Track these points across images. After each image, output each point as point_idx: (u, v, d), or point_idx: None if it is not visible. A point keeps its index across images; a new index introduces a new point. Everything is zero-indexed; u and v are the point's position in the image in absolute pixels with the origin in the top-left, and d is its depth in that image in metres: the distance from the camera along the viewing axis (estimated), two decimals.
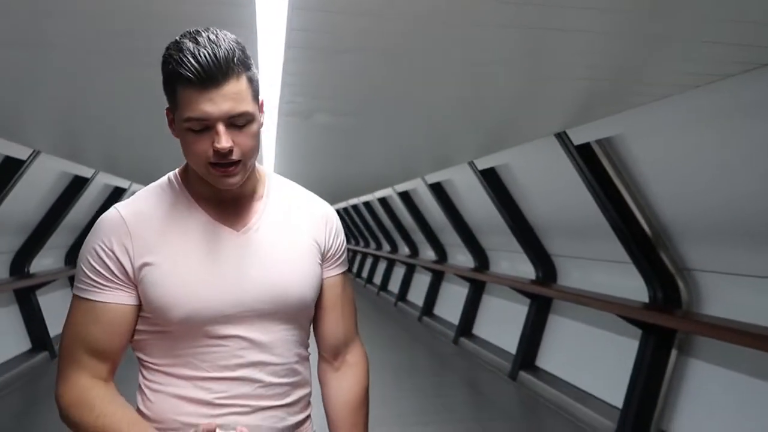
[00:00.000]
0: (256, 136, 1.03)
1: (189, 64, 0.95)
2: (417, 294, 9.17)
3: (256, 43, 2.10)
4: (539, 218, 5.08)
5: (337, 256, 1.20)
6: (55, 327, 6.41)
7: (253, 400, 1.08)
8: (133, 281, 1.05)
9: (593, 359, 4.50)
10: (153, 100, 3.30)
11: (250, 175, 1.10)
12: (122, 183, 7.45)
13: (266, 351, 1.09)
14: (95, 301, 1.05)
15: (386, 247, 11.67)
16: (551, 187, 4.60)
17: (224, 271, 1.06)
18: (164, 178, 1.13)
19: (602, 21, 1.96)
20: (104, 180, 6.74)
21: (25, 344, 5.89)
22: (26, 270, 5.95)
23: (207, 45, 0.95)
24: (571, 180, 3.93)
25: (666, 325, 3.50)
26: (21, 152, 4.61)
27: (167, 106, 1.03)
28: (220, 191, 1.07)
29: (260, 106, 1.04)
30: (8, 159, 4.59)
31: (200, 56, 0.94)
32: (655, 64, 2.46)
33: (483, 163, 5.13)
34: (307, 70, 2.52)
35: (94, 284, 1.05)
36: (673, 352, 3.59)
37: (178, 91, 0.98)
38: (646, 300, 3.75)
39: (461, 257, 7.32)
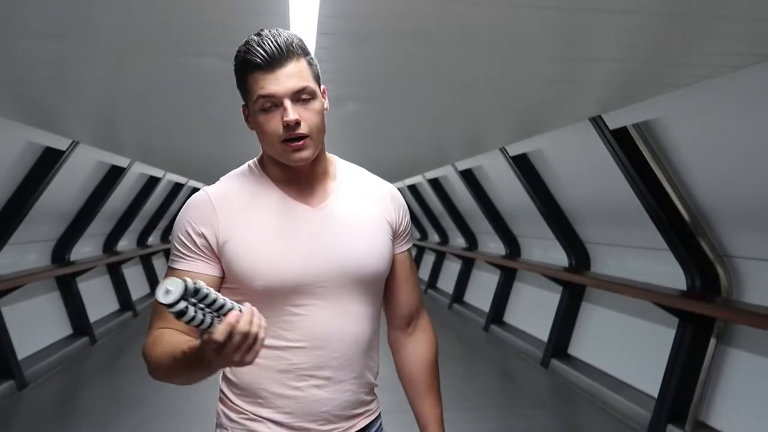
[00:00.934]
0: (321, 114, 1.13)
1: (255, 51, 1.08)
2: (447, 281, 9.15)
3: (288, 28, 2.10)
4: (572, 205, 5.00)
5: (406, 232, 1.30)
6: (94, 313, 6.60)
7: (330, 371, 1.15)
8: (217, 255, 1.14)
9: (628, 347, 4.43)
10: (187, 91, 3.37)
11: (321, 157, 1.20)
12: (157, 172, 7.60)
13: (343, 321, 1.16)
14: (179, 269, 1.14)
15: (416, 234, 11.67)
16: (585, 173, 4.52)
17: (302, 245, 1.14)
18: (244, 165, 1.23)
19: (640, 0, 1.91)
20: (139, 169, 6.88)
21: (66, 329, 6.08)
22: (67, 258, 6.13)
23: (269, 35, 1.09)
24: (605, 165, 3.86)
25: (704, 313, 3.42)
26: (60, 143, 4.73)
27: (243, 103, 1.15)
28: (295, 171, 1.17)
29: (323, 92, 1.15)
30: (48, 150, 4.72)
31: (264, 43, 1.08)
32: (695, 45, 2.38)
33: (515, 149, 5.07)
34: (339, 57, 2.51)
35: (181, 255, 1.15)
36: (712, 341, 3.51)
37: (248, 79, 1.10)
38: (684, 288, 3.67)
39: (492, 244, 7.26)
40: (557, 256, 5.43)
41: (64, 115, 4.05)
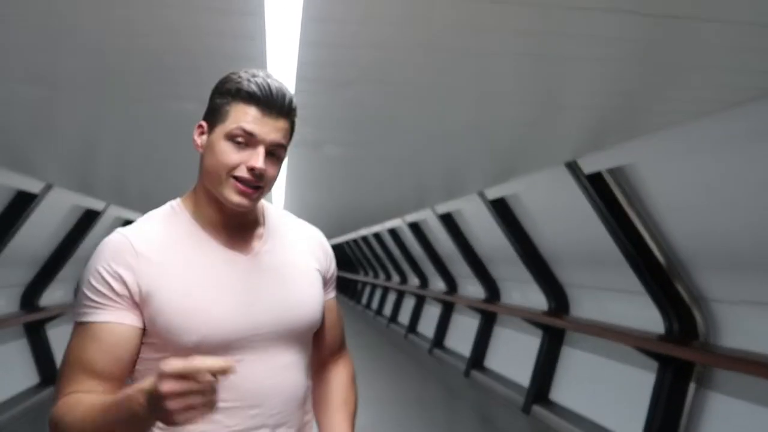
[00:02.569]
0: (279, 173, 1.11)
1: (260, 86, 1.05)
2: (427, 326, 9.07)
3: None
4: (550, 248, 5.03)
5: (333, 279, 1.27)
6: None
7: (268, 429, 1.08)
8: (138, 303, 1.04)
9: (609, 392, 4.40)
10: (165, 135, 3.36)
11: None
12: (133, 215, 7.50)
13: (279, 376, 1.10)
14: (95, 322, 1.03)
15: (396, 278, 11.61)
16: (562, 217, 4.57)
17: (236, 294, 1.07)
18: (165, 206, 1.15)
19: (613, 49, 1.97)
20: (115, 213, 6.79)
21: (33, 378, 5.85)
22: (36, 303, 5.95)
23: (277, 83, 1.07)
24: (582, 209, 3.91)
25: (683, 357, 3.42)
26: (34, 186, 4.65)
27: (199, 122, 1.10)
28: (227, 215, 1.10)
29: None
30: (21, 193, 4.64)
31: (271, 87, 1.05)
32: (666, 92, 2.45)
33: (492, 193, 5.12)
34: (317, 103, 2.54)
35: (96, 305, 1.03)
36: (692, 385, 3.50)
37: (233, 105, 1.05)
38: (662, 331, 3.68)
39: (472, 288, 7.25)
40: (537, 300, 5.43)
41: (38, 158, 4.00)
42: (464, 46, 1.95)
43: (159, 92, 2.51)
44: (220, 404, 0.98)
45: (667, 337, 3.59)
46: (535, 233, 5.10)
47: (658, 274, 3.61)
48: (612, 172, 3.62)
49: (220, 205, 1.09)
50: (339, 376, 1.28)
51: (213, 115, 1.08)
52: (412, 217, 7.90)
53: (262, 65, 2.01)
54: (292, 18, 1.65)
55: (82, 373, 1.02)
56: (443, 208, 6.49)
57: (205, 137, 1.09)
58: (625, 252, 3.71)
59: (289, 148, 3.69)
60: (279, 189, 5.29)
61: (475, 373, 6.55)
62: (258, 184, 1.06)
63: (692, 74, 2.21)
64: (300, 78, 2.12)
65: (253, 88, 1.04)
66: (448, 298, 7.88)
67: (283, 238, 1.18)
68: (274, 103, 1.05)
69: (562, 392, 5.03)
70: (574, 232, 4.49)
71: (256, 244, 1.14)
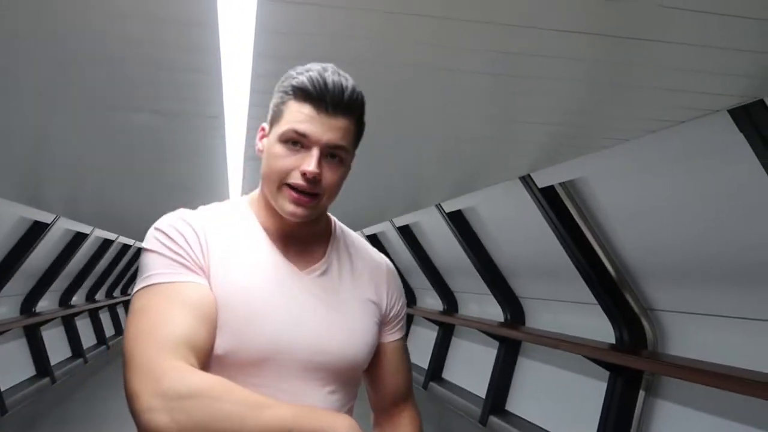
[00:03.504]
0: (342, 179, 1.00)
1: (313, 80, 0.94)
2: None
3: (221, 87, 2.11)
4: (507, 260, 5.11)
5: (401, 317, 1.12)
6: (4, 381, 6.09)
7: None
8: (207, 278, 0.94)
9: (563, 402, 4.47)
10: (118, 146, 3.28)
11: (322, 216, 1.05)
12: (84, 228, 7.27)
13: None
14: (181, 282, 0.91)
15: None
16: (518, 230, 4.65)
17: (279, 311, 0.96)
18: (231, 203, 1.06)
19: (566, 68, 2.03)
20: (65, 225, 6.57)
21: None
22: None
23: (337, 76, 0.96)
24: (536, 222, 3.99)
25: (632, 366, 3.52)
26: None
27: (262, 125, 1.02)
28: (285, 226, 1.01)
29: (352, 160, 1.03)
30: None
31: (328, 79, 0.95)
32: (615, 110, 2.54)
33: (450, 206, 5.18)
34: None
35: (178, 265, 0.92)
36: (641, 393, 3.60)
37: (289, 104, 0.96)
38: (613, 341, 3.77)
39: (430, 300, 7.29)
40: (493, 312, 5.50)
41: None
42: (423, 61, 1.98)
43: (111, 103, 2.45)
44: None
45: (618, 347, 3.69)
46: (492, 246, 5.18)
47: (608, 286, 3.71)
48: (564, 185, 3.71)
49: (277, 213, 1.00)
50: (401, 427, 1.14)
51: (272, 117, 0.99)
52: (370, 230, 7.91)
53: (217, 76, 2.00)
54: (246, 29, 1.64)
55: (174, 341, 0.85)
56: (402, 220, 6.53)
57: (264, 141, 1.00)
58: (577, 264, 3.81)
59: (248, 162, 3.64)
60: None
61: (434, 385, 6.57)
62: (314, 191, 0.95)
63: (638, 94, 2.29)
64: (254, 90, 2.11)
65: (305, 82, 0.94)
66: (408, 310, 7.87)
67: (346, 263, 1.07)
68: (330, 99, 0.94)
69: (518, 403, 5.09)
70: (529, 244, 4.57)
71: (315, 262, 1.03)
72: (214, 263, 0.95)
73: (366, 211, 6.57)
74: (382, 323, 1.08)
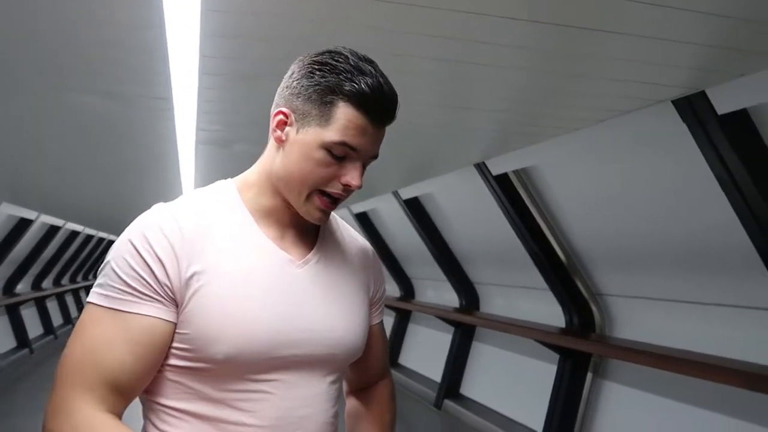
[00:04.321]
0: None
1: (375, 91, 0.89)
2: None
3: (168, 67, 2.05)
4: (462, 247, 5.17)
5: (383, 300, 1.12)
6: None
7: None
8: (176, 299, 0.87)
9: (515, 385, 4.58)
10: (60, 127, 3.16)
11: None
12: (29, 214, 7.00)
13: (313, 406, 0.94)
14: (131, 312, 0.85)
15: None
16: (473, 216, 4.70)
17: (279, 306, 0.91)
18: (216, 188, 0.98)
19: (517, 57, 2.05)
20: (8, 211, 6.31)
21: None
22: None
23: (387, 83, 0.91)
24: (490, 209, 4.04)
25: (581, 349, 3.62)
26: None
27: (279, 108, 0.93)
28: (288, 215, 0.96)
29: None
30: None
31: (384, 88, 0.90)
32: (564, 99, 2.58)
33: (407, 193, 5.19)
34: (223, 98, 2.47)
35: (133, 292, 0.85)
36: (589, 375, 3.71)
37: (341, 109, 0.89)
38: (563, 325, 3.87)
39: (388, 287, 7.28)
40: (450, 298, 5.56)
41: None
42: (376, 45, 1.96)
43: (53, 84, 2.36)
44: (242, 430, 0.88)
45: (567, 331, 3.79)
46: (448, 232, 5.22)
47: (559, 271, 3.80)
48: (518, 173, 3.77)
49: (290, 207, 0.95)
50: (377, 390, 1.14)
51: (305, 109, 0.90)
52: None
53: (163, 55, 1.93)
54: (192, 7, 1.59)
55: (97, 373, 0.84)
56: (359, 207, 6.52)
57: (289, 131, 0.92)
58: (530, 250, 3.88)
59: (199, 146, 3.58)
60: (187, 189, 5.11)
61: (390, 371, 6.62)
62: (343, 199, 0.93)
63: (587, 83, 2.34)
64: (203, 72, 2.06)
65: (365, 90, 0.88)
66: None
67: (337, 247, 1.03)
68: (386, 113, 0.91)
69: (472, 386, 5.18)
70: (484, 231, 4.63)
71: (309, 250, 0.98)
72: (201, 267, 0.88)
73: None
74: (370, 305, 1.07)
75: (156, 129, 3.10)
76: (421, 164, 4.34)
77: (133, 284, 0.86)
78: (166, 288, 0.86)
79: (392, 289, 7.02)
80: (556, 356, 3.84)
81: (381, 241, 6.67)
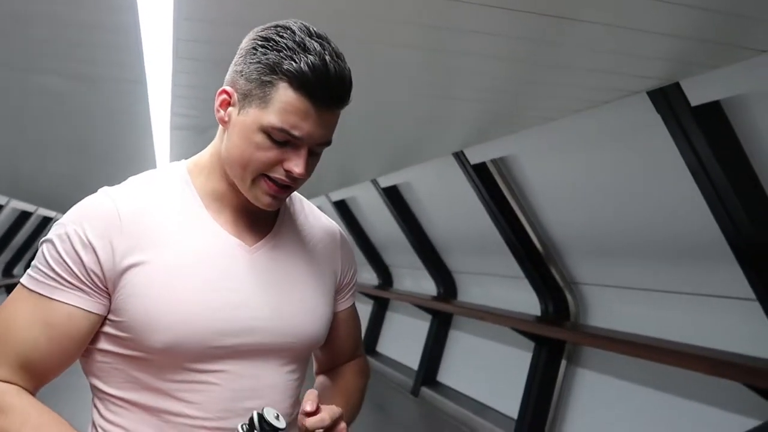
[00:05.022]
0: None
1: (318, 71, 0.81)
2: None
3: (141, 49, 2.00)
4: (440, 235, 5.19)
5: (353, 284, 1.07)
6: None
7: None
8: (107, 286, 0.84)
9: (491, 372, 4.63)
10: (30, 110, 3.08)
11: None
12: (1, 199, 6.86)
13: (262, 395, 0.89)
14: (51, 298, 0.83)
15: None
16: (451, 205, 4.72)
17: (226, 293, 0.87)
18: (166, 170, 0.94)
19: (495, 46, 2.05)
20: None
21: None
22: None
23: (336, 61, 0.83)
24: (468, 198, 4.06)
25: (555, 337, 3.67)
26: None
27: (223, 87, 0.87)
28: (242, 199, 0.90)
29: None
30: None
31: (332, 70, 0.82)
32: (541, 89, 2.60)
33: (385, 181, 5.19)
34: (199, 83, 2.43)
35: (57, 278, 0.83)
36: (563, 363, 3.77)
37: (281, 90, 0.82)
38: (539, 313, 3.92)
39: (366, 275, 7.33)
40: (427, 286, 5.59)
41: None
42: (356, 34, 1.94)
43: (24, 65, 2.29)
44: (188, 421, 0.85)
45: (543, 319, 3.83)
46: (426, 220, 5.24)
47: (535, 260, 3.83)
48: (495, 162, 3.78)
49: (232, 185, 0.90)
50: (345, 366, 1.10)
51: (246, 89, 0.84)
52: None
53: (135, 36, 1.89)
54: None
55: (12, 351, 0.83)
56: (338, 195, 6.50)
57: (231, 111, 0.86)
58: (506, 238, 3.91)
59: (175, 132, 3.52)
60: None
61: (368, 359, 6.65)
62: (294, 185, 0.88)
63: (563, 73, 2.35)
64: (177, 56, 2.02)
65: (305, 70, 0.80)
66: None
67: (298, 232, 0.98)
68: (335, 96, 0.83)
69: (448, 374, 5.23)
70: (462, 220, 4.66)
71: (265, 234, 0.93)
72: (139, 253, 0.84)
73: (300, 186, 6.50)
74: (336, 292, 1.02)
75: (130, 113, 3.05)
76: (399, 153, 4.34)
77: (59, 270, 0.84)
78: (93, 276, 0.84)
79: (370, 278, 7.03)
80: (532, 344, 3.89)
81: (359, 229, 6.67)
